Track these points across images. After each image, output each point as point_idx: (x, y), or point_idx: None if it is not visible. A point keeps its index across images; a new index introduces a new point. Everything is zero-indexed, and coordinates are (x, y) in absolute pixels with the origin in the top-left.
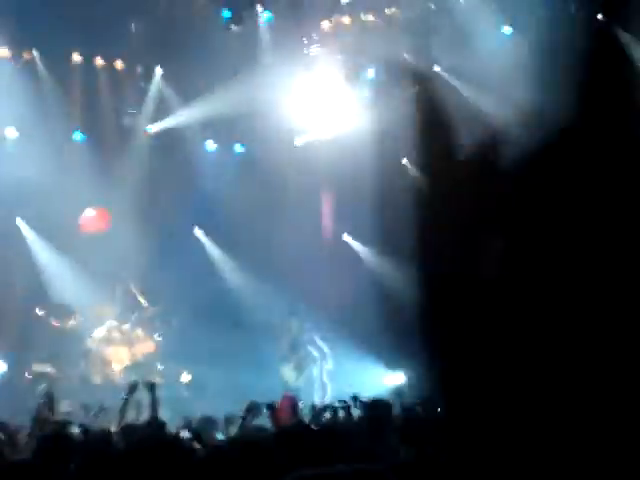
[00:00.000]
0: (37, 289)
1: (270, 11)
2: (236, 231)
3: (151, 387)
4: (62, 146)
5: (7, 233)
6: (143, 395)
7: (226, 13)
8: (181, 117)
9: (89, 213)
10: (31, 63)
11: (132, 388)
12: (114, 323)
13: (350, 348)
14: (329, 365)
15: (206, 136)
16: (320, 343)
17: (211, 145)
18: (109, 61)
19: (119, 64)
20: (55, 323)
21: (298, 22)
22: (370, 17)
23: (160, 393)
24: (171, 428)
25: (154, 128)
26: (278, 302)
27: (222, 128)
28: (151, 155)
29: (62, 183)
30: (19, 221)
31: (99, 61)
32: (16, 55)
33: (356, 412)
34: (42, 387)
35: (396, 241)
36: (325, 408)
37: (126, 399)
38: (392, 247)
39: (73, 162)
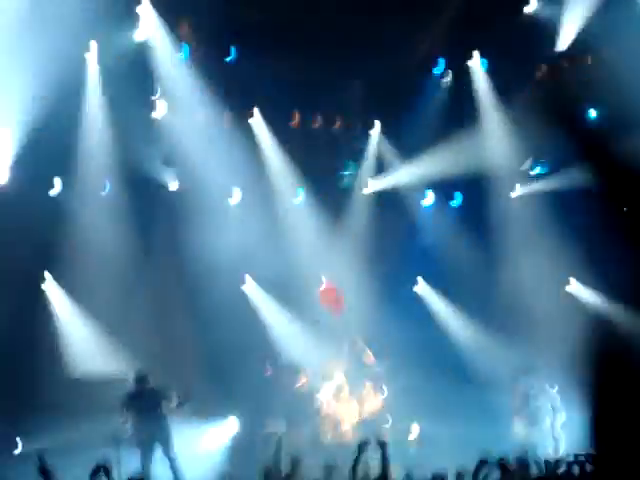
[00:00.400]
0: (268, 349)
1: (485, 59)
2: (458, 284)
3: (382, 445)
4: (284, 207)
5: (235, 294)
6: (371, 454)
7: (437, 68)
8: (400, 174)
9: (327, 288)
10: (251, 124)
11: (363, 446)
12: (343, 380)
13: (583, 399)
14: (562, 417)
15: (424, 189)
16: (553, 394)
17: (430, 199)
18: (328, 120)
19: (337, 123)
20: (288, 383)
21: (513, 67)
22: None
23: (389, 450)
24: None
25: (373, 186)
26: (507, 355)
27: (440, 182)
28: (370, 211)
29: (286, 244)
30: (249, 280)
31: (318, 120)
32: (237, 116)
33: (589, 467)
34: (275, 445)
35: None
36: (559, 462)
37: (357, 458)
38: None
39: (295, 222)
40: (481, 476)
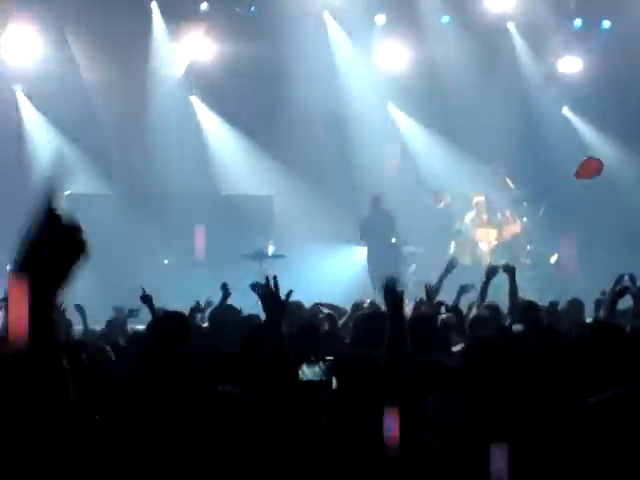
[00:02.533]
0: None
1: None
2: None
3: (511, 271)
4: None
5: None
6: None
7: None
8: None
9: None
10: None
11: (491, 272)
12: (483, 205)
13: None
14: None
15: None
16: None
17: None
18: None
19: None
20: (429, 204)
21: None
22: None
23: (528, 273)
24: None
25: None
26: None
27: None
28: None
29: None
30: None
31: None
32: None
33: None
34: (413, 266)
35: None
36: None
37: (485, 282)
38: None
39: None
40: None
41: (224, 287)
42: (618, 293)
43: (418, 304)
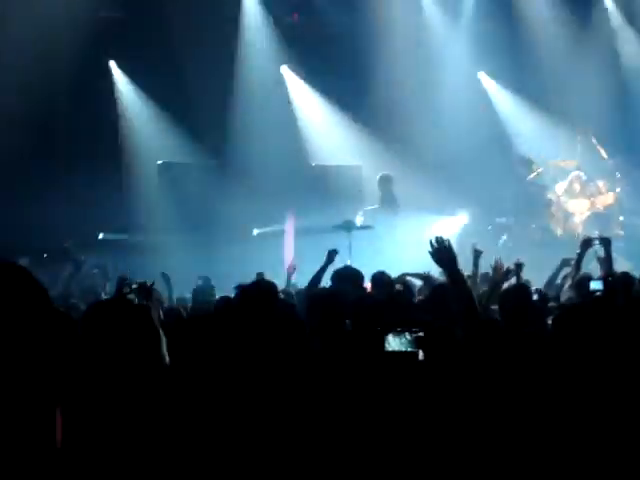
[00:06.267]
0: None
1: None
2: None
3: (607, 242)
4: None
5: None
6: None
7: None
8: None
9: None
10: None
11: (585, 244)
12: (575, 175)
13: None
14: None
15: None
16: None
17: None
18: None
19: None
20: (521, 174)
21: None
22: None
23: (620, 245)
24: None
25: None
26: None
27: None
28: None
29: None
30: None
31: None
32: None
33: None
34: (504, 238)
35: None
36: None
37: (580, 253)
38: None
39: None
40: None
41: (330, 254)
42: None
43: (483, 276)
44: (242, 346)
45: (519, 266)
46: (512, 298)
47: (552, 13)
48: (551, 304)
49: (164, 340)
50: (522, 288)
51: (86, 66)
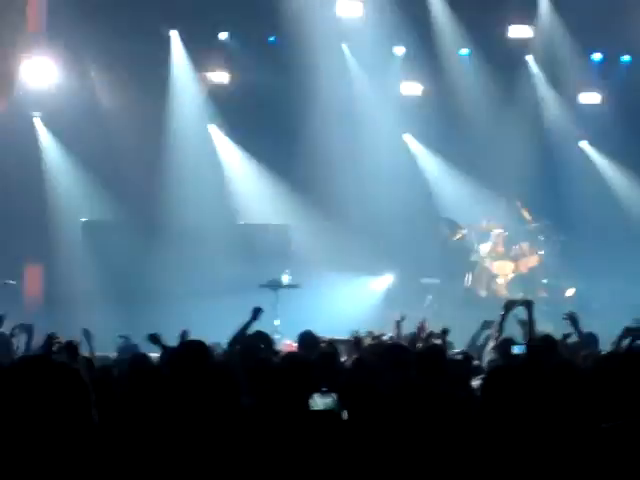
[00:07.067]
0: (425, 204)
1: None
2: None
3: (529, 305)
4: None
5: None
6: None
7: None
8: None
9: None
10: None
11: (508, 306)
12: (499, 237)
13: None
14: None
15: None
16: None
17: None
18: None
19: None
20: (446, 236)
21: None
22: None
23: (543, 308)
24: None
25: None
26: None
27: None
28: None
29: None
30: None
31: None
32: None
33: None
34: (429, 298)
35: None
36: None
37: (503, 315)
38: None
39: None
40: None
41: (255, 311)
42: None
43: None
44: (173, 404)
45: (445, 332)
46: (427, 358)
47: (478, 78)
48: (476, 362)
49: (93, 398)
50: (436, 348)
51: None
